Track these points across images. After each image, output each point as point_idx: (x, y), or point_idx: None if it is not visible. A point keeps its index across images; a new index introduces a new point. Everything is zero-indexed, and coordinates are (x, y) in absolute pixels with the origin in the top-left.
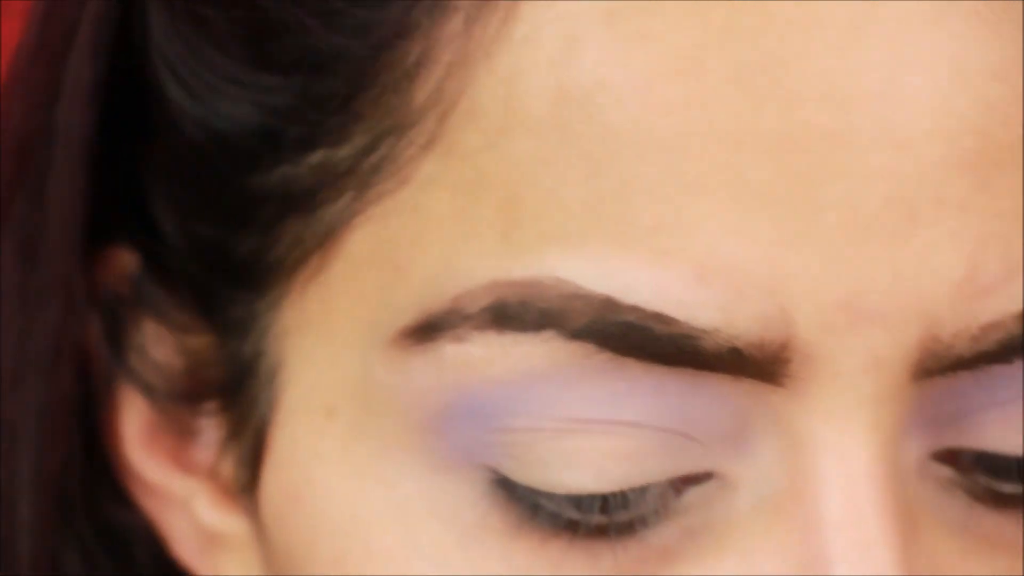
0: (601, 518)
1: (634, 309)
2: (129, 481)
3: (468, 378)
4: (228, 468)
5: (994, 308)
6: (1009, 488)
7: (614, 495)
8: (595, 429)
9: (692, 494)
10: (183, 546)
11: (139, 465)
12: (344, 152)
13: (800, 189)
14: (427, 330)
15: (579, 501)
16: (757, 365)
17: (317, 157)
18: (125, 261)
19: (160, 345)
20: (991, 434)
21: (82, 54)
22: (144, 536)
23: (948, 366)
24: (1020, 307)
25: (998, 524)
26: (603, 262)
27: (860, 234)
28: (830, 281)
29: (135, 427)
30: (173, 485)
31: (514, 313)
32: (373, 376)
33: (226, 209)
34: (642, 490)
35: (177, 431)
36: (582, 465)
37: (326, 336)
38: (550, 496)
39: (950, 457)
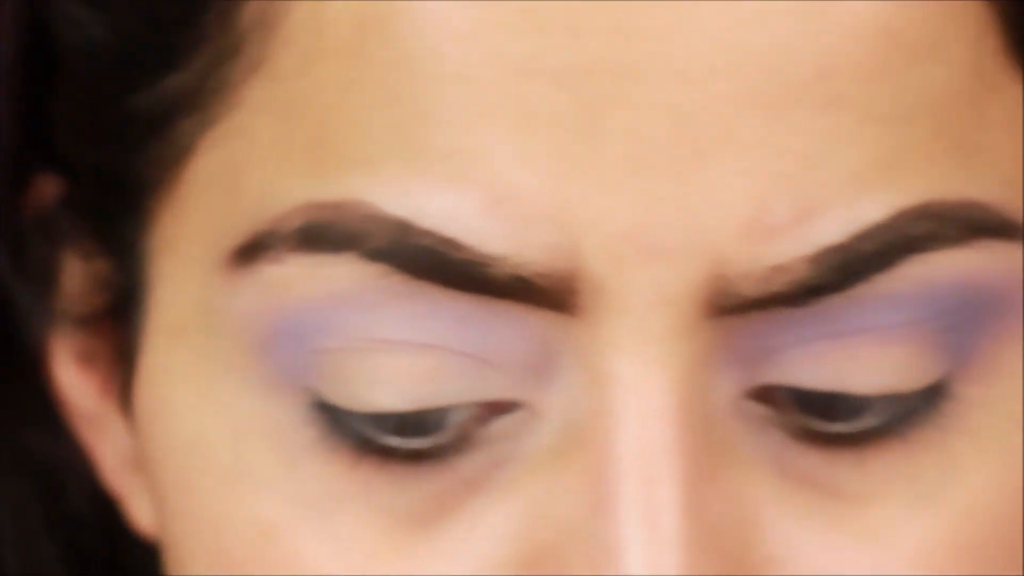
0: (402, 441)
1: (428, 233)
2: (64, 408)
3: (285, 299)
4: (117, 390)
5: (783, 250)
6: (824, 427)
7: (413, 414)
8: (396, 349)
9: (499, 423)
10: (108, 472)
11: (71, 390)
12: (187, 75)
13: (585, 120)
14: (250, 250)
15: (380, 420)
16: (546, 295)
17: (168, 79)
18: (49, 189)
19: (71, 273)
20: (802, 372)
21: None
22: (78, 472)
23: (739, 306)
24: (810, 251)
25: (816, 463)
26: (400, 185)
27: (645, 167)
28: (615, 213)
29: (66, 353)
30: (100, 410)
31: (320, 234)
32: (211, 296)
33: (106, 132)
34: (442, 412)
35: (102, 357)
36: (383, 383)
37: (179, 258)
38: (358, 416)
39: (766, 395)
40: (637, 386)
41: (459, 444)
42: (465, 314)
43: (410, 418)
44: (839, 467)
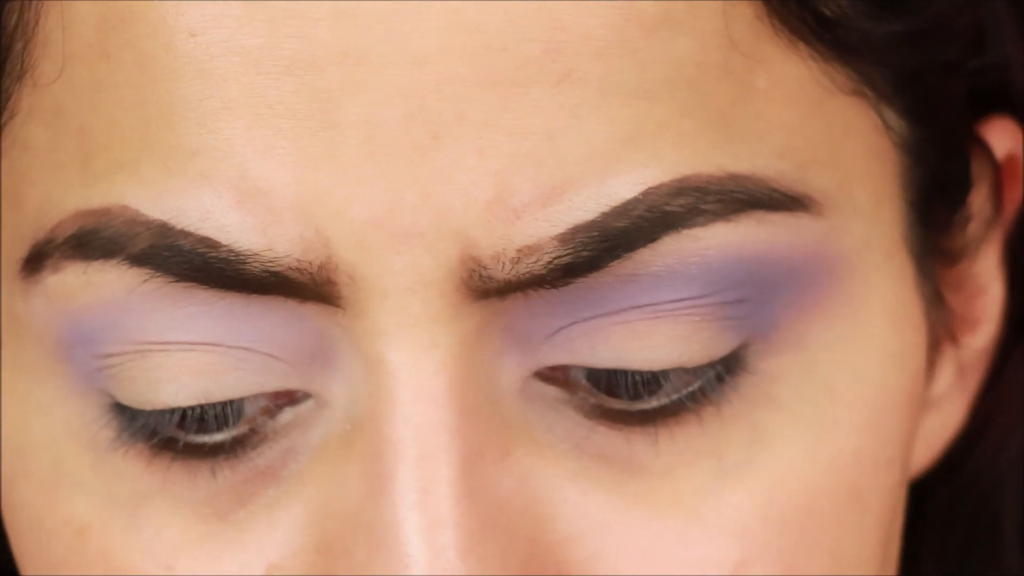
0: (196, 436)
1: (185, 234)
2: None
3: (68, 307)
4: None
5: (530, 231)
6: (615, 404)
7: (199, 409)
8: (173, 349)
9: (288, 414)
10: None
11: None
12: None
13: (319, 109)
14: (33, 260)
15: (169, 416)
16: (304, 288)
17: None
18: None
19: None
20: (585, 351)
21: None
22: None
23: (496, 289)
24: (559, 230)
25: (613, 441)
26: (157, 187)
27: (383, 153)
28: (359, 200)
29: None
30: None
31: (89, 241)
32: (14, 308)
33: None
34: (229, 406)
35: None
36: (164, 381)
37: None
38: (149, 414)
39: (556, 376)
40: (407, 370)
41: (251, 437)
42: (234, 311)
43: (197, 413)
44: (636, 444)
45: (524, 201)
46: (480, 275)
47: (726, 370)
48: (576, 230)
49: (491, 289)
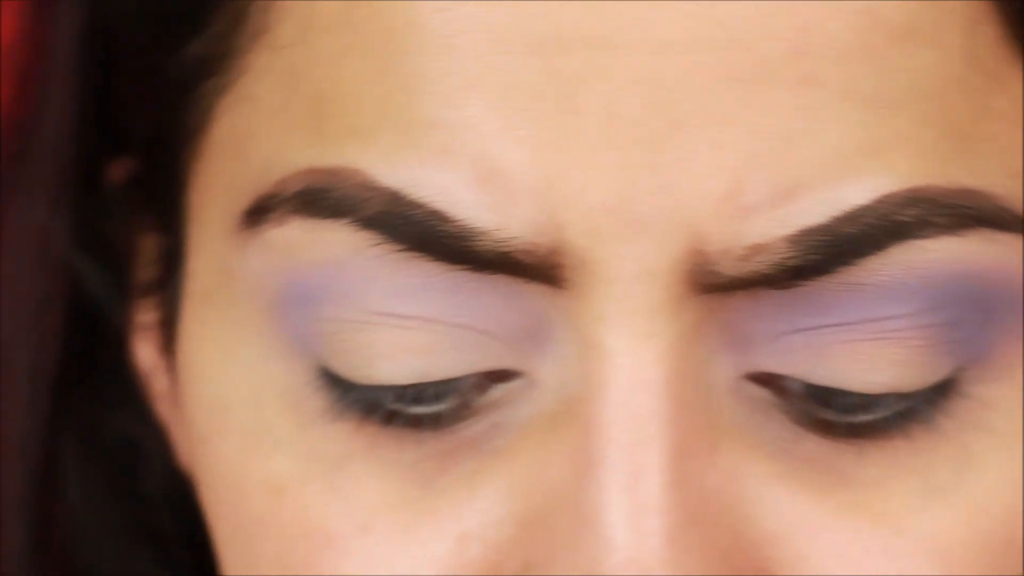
0: (406, 407)
1: (417, 205)
2: (144, 388)
3: (289, 263)
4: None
5: (760, 230)
6: (825, 414)
7: (412, 386)
8: (392, 323)
9: (498, 391)
10: (182, 450)
11: (148, 370)
12: (205, 41)
13: (563, 92)
14: (255, 213)
15: (378, 390)
16: (532, 269)
17: (190, 45)
18: (120, 171)
19: (136, 250)
20: (803, 364)
21: None
22: (155, 454)
23: (721, 285)
24: (790, 231)
25: (820, 448)
26: (392, 156)
27: (622, 140)
28: (594, 185)
29: (146, 331)
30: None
31: (318, 199)
32: (228, 262)
33: (150, 100)
34: (440, 384)
35: (155, 328)
36: (382, 357)
37: (204, 224)
38: (361, 387)
39: (768, 380)
40: (624, 357)
41: (461, 410)
42: (457, 286)
43: (413, 390)
44: (844, 454)
45: (757, 199)
46: (705, 270)
47: (939, 393)
48: (806, 233)
49: (715, 284)
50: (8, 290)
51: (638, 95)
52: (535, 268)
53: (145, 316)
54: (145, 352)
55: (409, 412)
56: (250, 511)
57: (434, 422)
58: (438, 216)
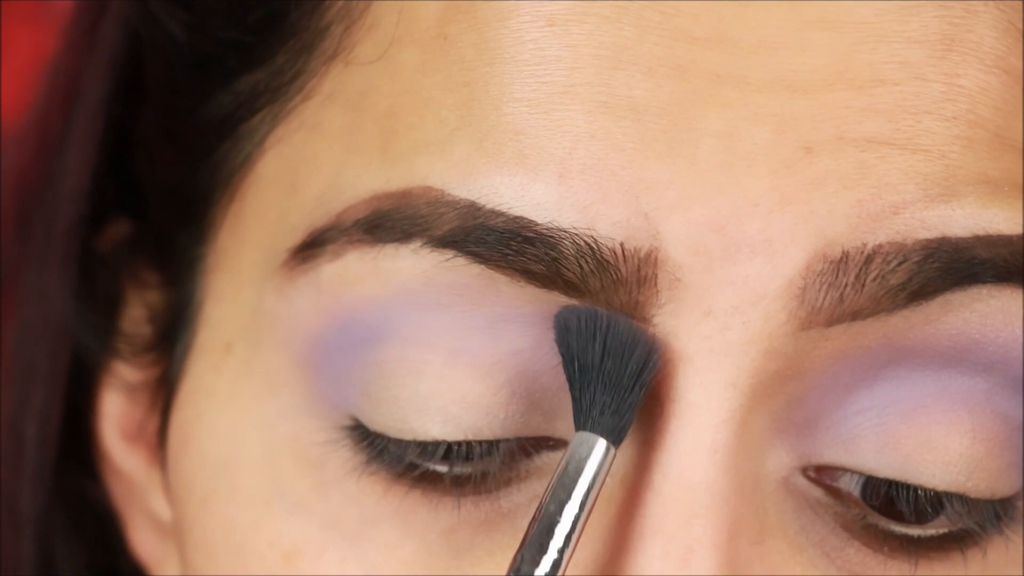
0: (447, 466)
1: (496, 214)
2: (102, 465)
3: (343, 298)
4: (154, 423)
5: (898, 228)
6: (885, 524)
7: (459, 444)
8: (452, 367)
9: (545, 458)
10: (137, 538)
11: (111, 449)
12: (264, 72)
13: (677, 114)
14: (310, 247)
15: (424, 447)
16: (618, 286)
17: (245, 80)
18: (119, 229)
19: (130, 307)
20: (868, 451)
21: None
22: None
23: (826, 309)
24: (929, 235)
25: (866, 560)
26: (468, 166)
27: (743, 163)
28: (703, 200)
29: (111, 411)
30: (136, 473)
31: (385, 222)
32: (263, 305)
33: (179, 145)
34: (489, 444)
35: (138, 417)
36: (433, 409)
37: (234, 269)
38: (400, 443)
39: (824, 480)
40: (695, 410)
41: (503, 473)
42: (531, 319)
43: (463, 449)
44: (891, 569)
45: (901, 199)
46: (820, 283)
47: (1002, 514)
48: (944, 241)
49: (819, 310)
50: (20, 356)
51: (763, 127)
52: (623, 285)
53: (133, 375)
54: (110, 425)
55: (450, 472)
56: None
57: (474, 485)
58: (519, 222)
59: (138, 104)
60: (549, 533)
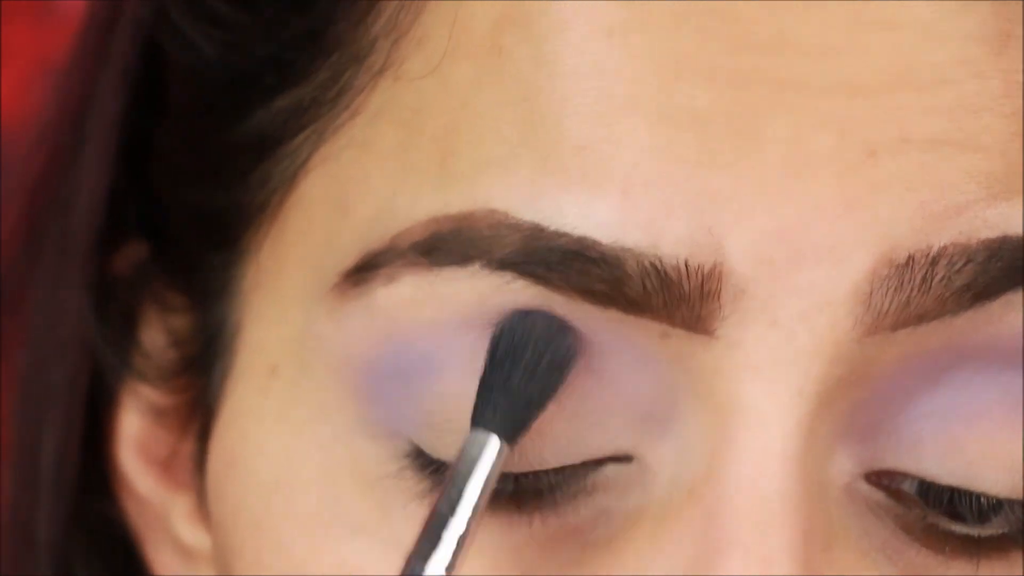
0: (510, 485)
1: (560, 235)
2: (119, 488)
3: (396, 325)
4: (188, 447)
5: (962, 228)
6: (945, 524)
7: (524, 474)
8: None
9: (610, 471)
10: (159, 560)
11: (130, 473)
12: (307, 89)
13: (740, 122)
14: (363, 270)
15: None
16: (686, 300)
17: (285, 98)
18: (136, 250)
19: (151, 329)
20: (930, 457)
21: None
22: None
23: (894, 311)
24: (991, 234)
25: (927, 562)
26: (532, 187)
27: (808, 170)
28: (767, 209)
29: (131, 434)
30: (156, 497)
31: (443, 245)
32: (313, 329)
33: (209, 165)
34: (556, 470)
35: (166, 441)
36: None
37: (277, 291)
38: None
39: (885, 481)
40: (763, 419)
41: (570, 485)
42: (591, 346)
43: (521, 477)
44: (952, 569)
45: (965, 199)
46: (886, 287)
47: None
48: (1006, 239)
49: (885, 314)
50: (34, 377)
51: (828, 131)
52: (690, 300)
53: (161, 399)
54: (128, 448)
55: (521, 488)
56: None
57: (544, 502)
58: (582, 242)
59: (157, 119)
60: (439, 534)
